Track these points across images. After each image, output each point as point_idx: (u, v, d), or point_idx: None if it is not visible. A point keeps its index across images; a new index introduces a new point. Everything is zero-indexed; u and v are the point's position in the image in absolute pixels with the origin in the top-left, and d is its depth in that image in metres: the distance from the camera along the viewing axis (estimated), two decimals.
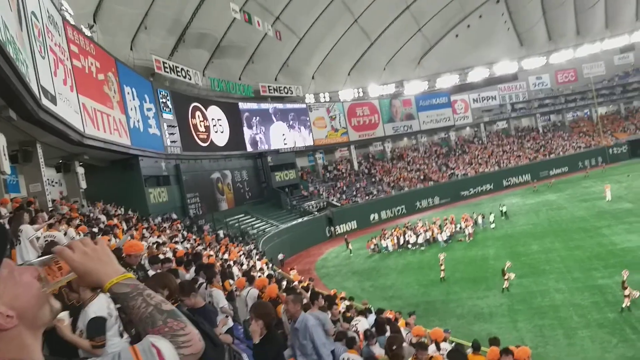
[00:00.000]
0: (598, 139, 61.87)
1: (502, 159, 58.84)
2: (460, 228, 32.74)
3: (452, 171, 55.74)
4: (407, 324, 10.59)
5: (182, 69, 34.76)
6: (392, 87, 58.59)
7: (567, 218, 31.33)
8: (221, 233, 27.88)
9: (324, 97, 53.14)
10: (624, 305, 14.85)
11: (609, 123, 65.70)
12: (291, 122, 47.91)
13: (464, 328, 15.68)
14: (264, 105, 45.36)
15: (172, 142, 31.32)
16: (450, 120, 62.01)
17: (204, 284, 7.23)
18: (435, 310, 18.46)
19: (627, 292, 14.87)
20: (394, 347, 5.76)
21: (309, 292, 8.81)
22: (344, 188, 49.43)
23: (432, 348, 8.35)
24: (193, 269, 8.48)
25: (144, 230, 17.61)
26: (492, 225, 32.92)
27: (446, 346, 9.12)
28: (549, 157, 59.12)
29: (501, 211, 36.19)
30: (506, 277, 19.02)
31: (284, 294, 8.76)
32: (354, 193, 48.77)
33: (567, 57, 65.86)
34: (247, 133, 42.27)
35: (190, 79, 35.84)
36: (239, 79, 43.56)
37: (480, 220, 34.28)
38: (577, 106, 68.24)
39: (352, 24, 49.08)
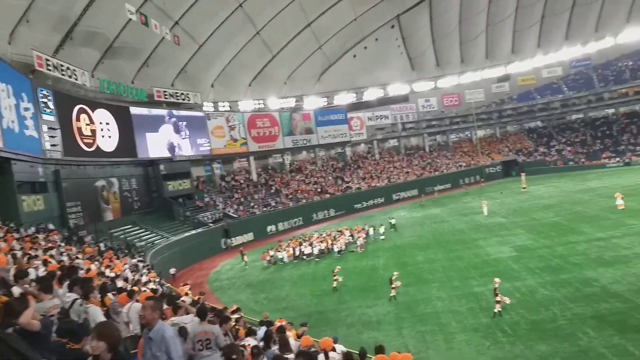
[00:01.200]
0: (477, 159, 68.02)
1: (393, 174, 62.18)
2: (353, 239, 33.83)
3: (347, 185, 57.64)
4: (298, 336, 10.58)
5: (67, 68, 31.91)
6: (292, 101, 59.47)
7: (449, 231, 33.82)
8: (102, 245, 25.83)
9: (224, 106, 52.25)
10: (495, 311, 16.22)
11: (486, 145, 72.56)
12: (187, 130, 46.22)
13: (354, 337, 16.06)
14: (158, 111, 43.22)
15: (51, 145, 28.55)
16: (346, 136, 64.33)
17: (79, 300, 6.58)
18: (327, 320, 18.72)
19: (498, 298, 16.29)
20: (234, 357, 5.64)
21: (197, 307, 8.42)
22: (242, 199, 48.75)
23: (321, 357, 8.40)
24: (66, 283, 7.69)
25: (14, 242, 15.73)
26: (382, 237, 34.50)
27: (335, 355, 9.23)
28: (434, 174, 63.66)
29: (390, 223, 38.10)
30: (393, 286, 19.93)
31: (169, 308, 8.32)
32: (252, 204, 48.29)
33: (452, 83, 72.01)
34: (139, 139, 39.96)
35: (76, 79, 32.97)
36: (132, 82, 41.22)
37: (371, 232, 35.72)
38: (459, 128, 74.59)
39: (254, 36, 49.04)
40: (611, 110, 69.20)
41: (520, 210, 37.39)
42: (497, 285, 16.65)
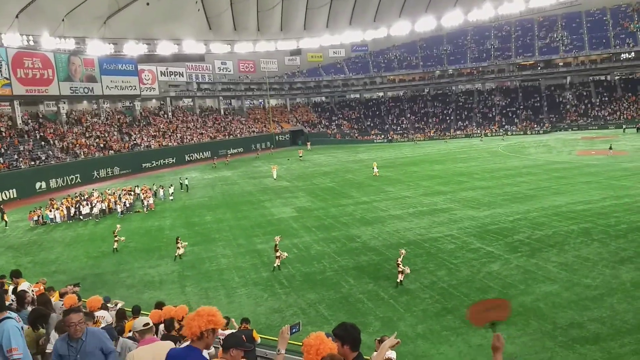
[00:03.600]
0: (269, 126, 71.06)
1: (186, 134, 60.61)
2: (139, 199, 32.22)
3: (134, 142, 53.94)
4: (61, 295, 9.81)
5: None
6: (72, 42, 52.10)
7: (239, 192, 35.01)
8: None
9: None
10: (275, 265, 17.64)
11: (277, 114, 76.25)
12: None
13: (133, 297, 15.56)
14: None
15: None
16: (136, 90, 59.70)
17: None
18: (104, 282, 17.67)
19: (277, 254, 17.69)
20: None
21: None
22: (2, 150, 41.31)
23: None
24: None
25: None
26: (171, 198, 33.74)
27: (104, 314, 8.92)
28: (227, 138, 64.33)
29: (181, 184, 37.44)
30: (179, 245, 19.87)
31: None
32: (15, 157, 41.36)
33: (249, 49, 73.10)
34: None
35: None
36: None
37: (160, 192, 34.53)
38: (253, 95, 76.62)
39: None
40: (381, 94, 79.98)
41: (303, 175, 40.87)
42: (277, 242, 18.08)
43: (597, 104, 65.16)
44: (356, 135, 71.93)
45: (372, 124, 74.49)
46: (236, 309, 14.20)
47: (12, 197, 36.64)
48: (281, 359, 3.61)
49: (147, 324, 5.00)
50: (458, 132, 68.05)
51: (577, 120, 63.98)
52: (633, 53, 63.09)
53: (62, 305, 8.52)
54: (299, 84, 79.47)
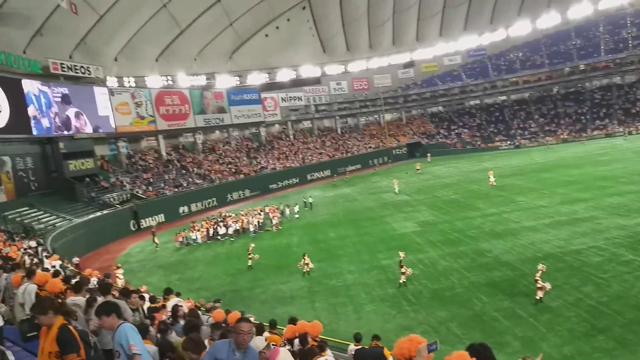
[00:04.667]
0: (385, 141, 71.06)
1: (307, 155, 63.11)
2: (268, 219, 34.16)
3: (261, 165, 57.57)
4: (207, 310, 10.72)
5: None
6: (203, 78, 57.71)
7: (359, 209, 35.33)
8: None
9: (129, 82, 49.41)
10: (400, 281, 17.44)
11: (393, 127, 75.94)
12: (89, 106, 43.09)
13: (268, 312, 16.41)
14: (55, 85, 39.80)
15: None
16: (260, 117, 63.94)
17: None
18: (241, 298, 18.94)
19: (402, 270, 17.52)
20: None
21: (99, 284, 8.27)
22: (151, 179, 46.84)
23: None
24: None
25: None
26: (297, 216, 35.21)
27: None
28: (345, 155, 65.59)
29: (305, 202, 38.97)
30: (306, 262, 20.60)
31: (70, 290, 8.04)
32: (162, 185, 46.61)
33: (362, 67, 74.19)
34: (33, 114, 36.62)
35: None
36: (24, 52, 37.55)
37: (287, 211, 36.25)
38: (368, 111, 77.31)
39: (161, 9, 46.73)
40: (504, 98, 75.52)
41: (423, 188, 39.95)
42: (402, 258, 17.85)
43: None
44: (478, 143, 68.63)
45: (495, 130, 70.54)
46: (364, 325, 14.21)
47: (161, 220, 41.08)
48: None
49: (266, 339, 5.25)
50: (596, 132, 61.39)
51: None
52: None
53: (209, 319, 9.34)
54: (414, 96, 78.44)
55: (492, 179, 35.87)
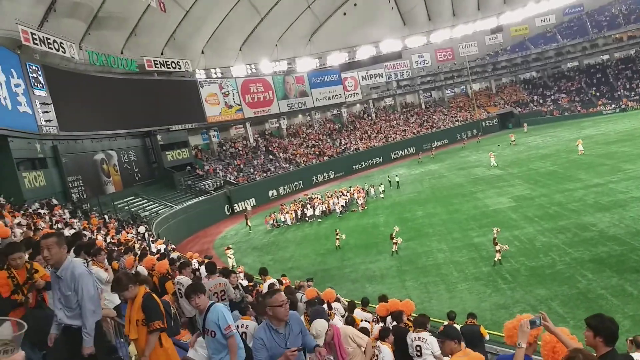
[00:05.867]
0: (473, 113, 67.79)
1: (390, 133, 62.11)
2: (353, 199, 34.26)
3: (344, 146, 57.67)
4: (300, 286, 11.00)
5: (54, 41, 31.34)
6: (285, 63, 58.65)
7: (447, 185, 34.19)
8: (107, 217, 26.23)
9: (216, 73, 51.63)
10: (495, 259, 16.68)
11: (482, 98, 72.18)
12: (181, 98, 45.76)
13: (358, 291, 16.58)
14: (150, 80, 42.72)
15: (46, 121, 28.46)
16: (341, 97, 63.83)
17: (85, 263, 6.84)
18: (331, 277, 19.27)
19: (497, 247, 16.72)
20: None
21: (205, 263, 8.77)
22: (241, 166, 48.91)
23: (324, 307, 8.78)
24: (72, 249, 7.96)
25: (20, 218, 16.01)
26: (382, 195, 34.92)
27: (337, 306, 9.63)
28: (431, 131, 63.61)
29: (390, 182, 38.54)
30: (394, 241, 20.41)
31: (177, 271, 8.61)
32: (252, 170, 48.50)
33: (445, 37, 70.80)
34: (133, 110, 39.67)
35: (64, 52, 32.50)
36: (121, 52, 40.58)
37: (372, 191, 36.11)
38: (454, 83, 73.95)
39: None
40: (606, 57, 68.49)
41: (518, 161, 37.67)
42: (496, 235, 17.04)
43: None
44: (578, 109, 63.16)
45: (598, 94, 64.38)
46: (458, 304, 13.87)
47: (252, 205, 42.86)
48: (521, 353, 3.48)
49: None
50: None
51: None
52: None
53: (303, 296, 9.58)
54: (504, 63, 73.65)
55: (580, 147, 33.66)
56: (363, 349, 5.28)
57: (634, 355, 7.19)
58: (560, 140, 44.19)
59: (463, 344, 4.64)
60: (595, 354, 3.37)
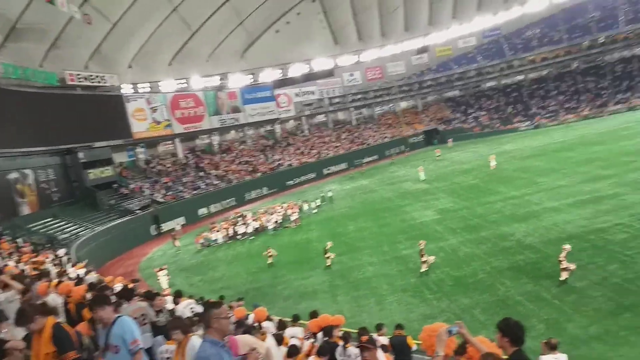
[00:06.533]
0: (401, 129, 70.35)
1: (322, 149, 62.91)
2: (287, 215, 34.21)
3: (278, 162, 57.62)
4: (230, 307, 10.76)
5: None
6: (217, 79, 57.91)
7: (378, 200, 35.08)
8: (21, 241, 24.33)
9: (144, 88, 49.95)
10: (422, 271, 17.26)
11: (409, 115, 75.12)
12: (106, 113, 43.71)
13: (291, 308, 16.44)
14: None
15: None
16: (274, 114, 63.97)
17: None
18: (263, 295, 18.99)
19: (423, 259, 17.33)
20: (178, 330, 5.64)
21: (120, 290, 8.35)
22: (170, 183, 47.33)
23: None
24: None
25: None
26: (315, 211, 35.16)
27: (268, 324, 9.53)
28: (361, 147, 65.19)
29: (323, 197, 38.96)
30: (327, 255, 20.57)
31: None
32: (181, 188, 47.06)
33: (374, 56, 73.28)
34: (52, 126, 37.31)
35: None
36: (40, 65, 38.25)
37: (305, 207, 36.26)
38: (383, 101, 76.57)
39: (171, 13, 47.01)
40: (521, 77, 73.92)
41: (442, 175, 39.43)
42: (422, 247, 17.66)
43: None
44: (497, 125, 67.43)
45: (514, 111, 69.20)
46: (388, 316, 14.15)
47: (182, 223, 41.47)
48: None
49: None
50: (618, 106, 59.66)
51: None
52: None
53: (232, 316, 9.36)
54: (429, 82, 77.38)
55: (493, 162, 35.92)
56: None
57: (547, 357, 7.67)
58: (481, 156, 46.67)
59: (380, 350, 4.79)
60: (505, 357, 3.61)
